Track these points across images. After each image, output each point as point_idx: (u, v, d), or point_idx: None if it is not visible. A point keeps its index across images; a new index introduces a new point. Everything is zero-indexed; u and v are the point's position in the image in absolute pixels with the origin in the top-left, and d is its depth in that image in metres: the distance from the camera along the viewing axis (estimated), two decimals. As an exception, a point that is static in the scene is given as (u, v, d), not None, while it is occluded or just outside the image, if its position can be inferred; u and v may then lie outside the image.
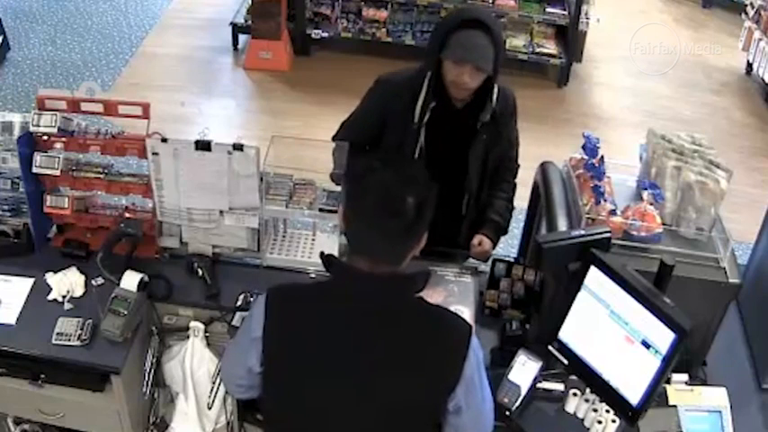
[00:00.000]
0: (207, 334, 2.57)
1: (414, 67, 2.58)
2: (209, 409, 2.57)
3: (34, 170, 2.57)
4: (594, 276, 2.09)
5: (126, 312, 2.39)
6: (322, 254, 1.73)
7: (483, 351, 1.79)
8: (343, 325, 1.67)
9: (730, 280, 2.23)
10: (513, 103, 2.66)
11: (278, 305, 1.73)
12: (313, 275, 2.66)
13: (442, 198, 2.48)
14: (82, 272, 2.59)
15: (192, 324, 2.55)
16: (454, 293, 2.62)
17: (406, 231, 1.63)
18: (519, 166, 2.82)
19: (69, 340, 2.39)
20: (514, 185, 2.82)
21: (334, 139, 2.66)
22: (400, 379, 1.67)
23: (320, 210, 2.59)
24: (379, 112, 2.63)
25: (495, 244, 2.73)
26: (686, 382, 2.28)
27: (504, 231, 2.79)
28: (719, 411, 2.23)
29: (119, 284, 2.45)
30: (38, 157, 2.56)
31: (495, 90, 2.51)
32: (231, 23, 6.02)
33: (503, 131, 2.63)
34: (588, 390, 2.23)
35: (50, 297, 2.53)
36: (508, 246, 3.40)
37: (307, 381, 1.71)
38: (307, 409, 1.73)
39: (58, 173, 2.57)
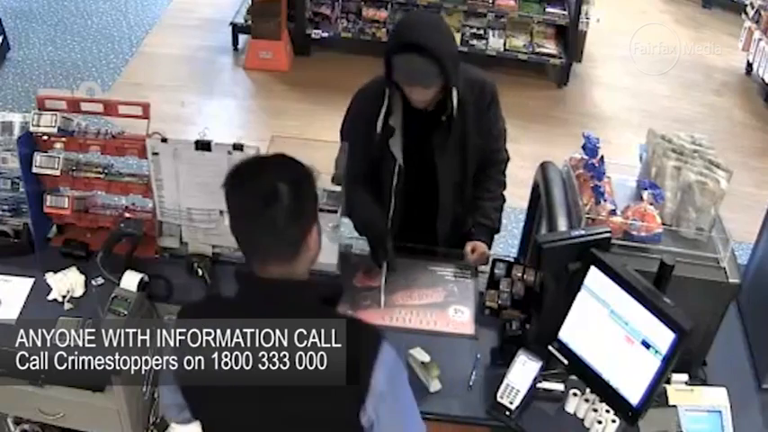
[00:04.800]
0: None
1: None
2: (209, 409, 2.57)
3: (34, 170, 2.57)
4: (594, 276, 2.09)
5: (126, 312, 2.39)
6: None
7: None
8: (241, 336, 1.61)
9: (730, 280, 2.23)
10: (490, 93, 2.60)
11: (185, 322, 1.70)
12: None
13: (417, 197, 2.56)
14: (82, 272, 2.59)
15: (192, 324, 2.55)
16: (454, 293, 2.62)
17: (287, 218, 1.58)
18: (509, 158, 2.76)
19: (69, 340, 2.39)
20: (503, 181, 2.76)
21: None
22: (302, 390, 1.61)
23: (320, 210, 2.58)
24: (361, 122, 2.62)
25: (489, 246, 2.72)
26: (686, 382, 2.28)
27: (497, 231, 2.77)
28: (719, 411, 2.23)
29: (119, 284, 2.44)
30: (38, 157, 2.56)
31: (455, 93, 2.47)
32: (231, 23, 6.02)
33: (475, 123, 2.58)
34: (588, 390, 2.23)
35: (50, 297, 2.53)
36: (508, 246, 3.40)
37: (213, 396, 1.68)
38: (217, 425, 1.72)
39: (58, 173, 2.57)
